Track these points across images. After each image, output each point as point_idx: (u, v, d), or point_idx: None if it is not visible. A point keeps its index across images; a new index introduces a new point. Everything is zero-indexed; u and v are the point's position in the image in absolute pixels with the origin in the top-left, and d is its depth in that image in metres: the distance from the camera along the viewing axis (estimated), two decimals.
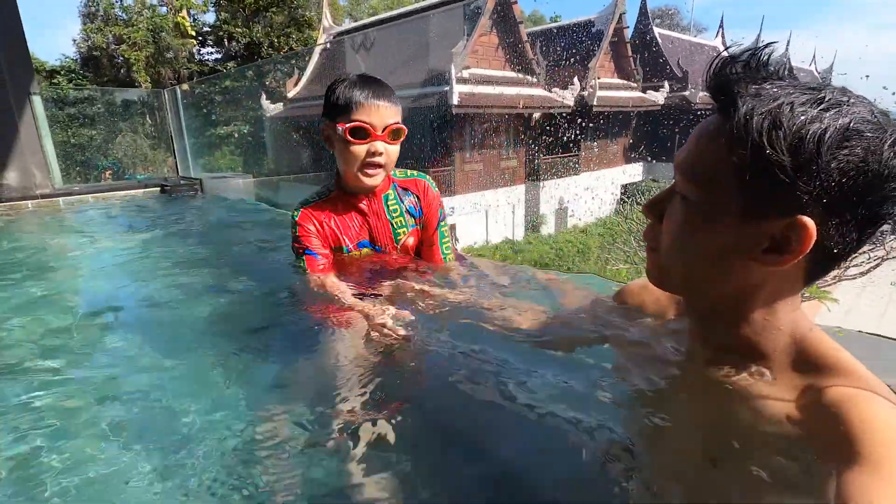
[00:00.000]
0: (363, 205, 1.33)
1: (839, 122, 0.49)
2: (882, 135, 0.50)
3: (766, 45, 0.55)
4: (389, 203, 1.36)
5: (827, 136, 0.49)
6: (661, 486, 0.66)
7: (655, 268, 0.68)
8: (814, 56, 28.99)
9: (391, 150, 1.25)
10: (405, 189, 1.39)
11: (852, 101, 0.52)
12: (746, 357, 0.63)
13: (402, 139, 1.28)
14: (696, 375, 0.70)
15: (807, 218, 0.51)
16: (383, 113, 1.21)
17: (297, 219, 1.32)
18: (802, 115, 0.50)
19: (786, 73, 0.55)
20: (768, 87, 0.53)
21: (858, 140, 0.49)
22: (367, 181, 1.25)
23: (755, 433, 0.61)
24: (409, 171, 1.43)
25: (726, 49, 0.58)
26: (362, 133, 1.20)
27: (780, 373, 0.60)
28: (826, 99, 0.51)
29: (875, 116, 0.51)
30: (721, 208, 0.56)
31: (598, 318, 0.94)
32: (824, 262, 0.56)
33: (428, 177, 1.44)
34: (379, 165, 1.24)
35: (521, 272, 1.50)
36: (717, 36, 22.81)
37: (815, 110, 0.50)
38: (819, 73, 28.76)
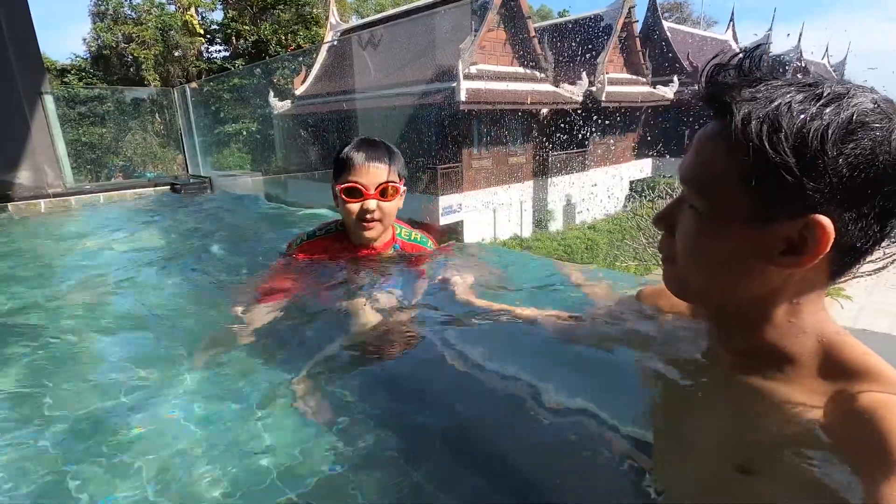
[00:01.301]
0: (361, 253, 1.43)
1: (841, 116, 0.48)
2: (889, 124, 0.49)
3: (756, 48, 0.54)
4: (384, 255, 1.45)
5: (830, 132, 0.47)
6: (687, 493, 0.64)
7: (673, 278, 0.66)
8: (826, 49, 28.56)
9: (385, 207, 1.35)
10: (402, 249, 1.50)
11: (853, 92, 0.50)
12: (772, 362, 0.61)
13: (397, 195, 1.37)
14: (721, 380, 0.68)
15: (822, 216, 0.49)
16: (375, 173, 1.32)
17: (300, 244, 1.45)
18: (802, 113, 0.49)
19: (781, 71, 0.54)
20: (763, 88, 0.52)
21: (864, 132, 0.48)
22: (364, 234, 1.36)
23: (784, 440, 0.59)
24: (415, 235, 1.53)
25: (737, 43, 0.57)
26: (355, 192, 1.31)
27: (808, 378, 0.58)
28: (825, 94, 0.50)
29: (878, 105, 0.49)
30: (731, 216, 0.55)
31: (621, 318, 0.93)
32: (848, 258, 0.54)
33: (430, 241, 1.55)
34: (374, 220, 1.34)
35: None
36: (727, 29, 22.53)
37: (815, 107, 0.49)
38: (831, 66, 28.36)
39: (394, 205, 1.37)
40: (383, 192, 1.33)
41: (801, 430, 0.56)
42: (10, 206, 4.05)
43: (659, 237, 0.68)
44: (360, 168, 1.31)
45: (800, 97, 0.50)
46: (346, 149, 1.35)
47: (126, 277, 2.01)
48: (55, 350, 1.29)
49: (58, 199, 4.35)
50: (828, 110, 0.48)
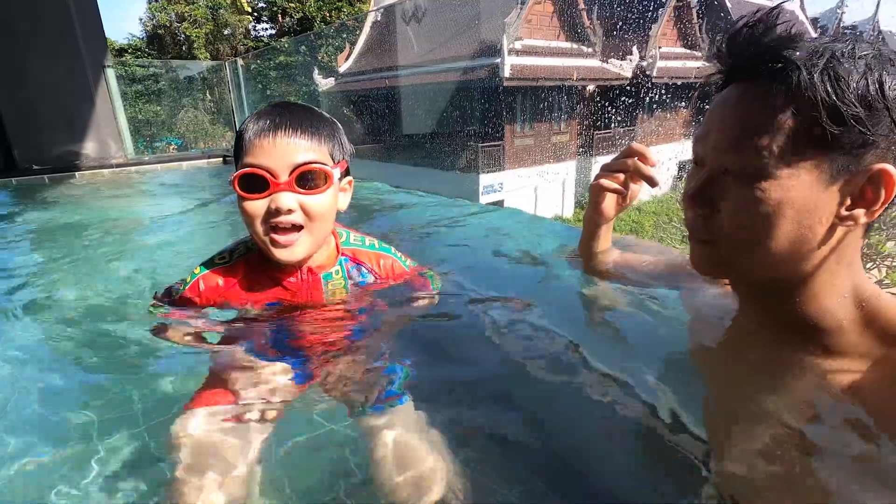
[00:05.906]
0: (291, 280, 0.94)
1: (885, 64, 0.49)
2: None
3: (776, 7, 0.53)
4: (331, 285, 0.97)
5: (885, 79, 0.48)
6: (753, 477, 0.62)
7: (711, 260, 0.61)
8: None
9: (311, 204, 0.85)
10: (358, 266, 1.01)
11: (876, 43, 0.51)
12: (814, 331, 0.58)
13: (329, 185, 0.87)
14: (766, 356, 0.65)
15: (888, 165, 0.50)
16: (286, 150, 0.82)
17: (192, 281, 0.94)
18: (852, 65, 0.49)
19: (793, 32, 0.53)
20: (802, 46, 0.51)
21: None
22: (279, 253, 0.86)
23: (838, 416, 0.57)
24: (369, 240, 1.05)
25: (805, 13, 0.52)
26: (257, 183, 0.83)
27: (853, 345, 0.56)
28: (857, 46, 0.50)
29: None
30: (797, 176, 0.52)
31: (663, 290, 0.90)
32: (889, 207, 0.54)
33: (399, 254, 1.07)
34: (294, 227, 0.85)
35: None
36: None
37: (859, 59, 0.49)
38: None
39: (326, 200, 0.87)
40: (303, 181, 0.84)
41: (853, 404, 0.55)
42: (77, 174, 4.33)
43: (686, 217, 0.62)
44: (261, 145, 0.82)
45: (840, 49, 0.50)
46: (247, 119, 0.86)
47: (177, 238, 2.10)
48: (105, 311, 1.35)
49: (120, 168, 4.60)
50: (872, 60, 0.49)
